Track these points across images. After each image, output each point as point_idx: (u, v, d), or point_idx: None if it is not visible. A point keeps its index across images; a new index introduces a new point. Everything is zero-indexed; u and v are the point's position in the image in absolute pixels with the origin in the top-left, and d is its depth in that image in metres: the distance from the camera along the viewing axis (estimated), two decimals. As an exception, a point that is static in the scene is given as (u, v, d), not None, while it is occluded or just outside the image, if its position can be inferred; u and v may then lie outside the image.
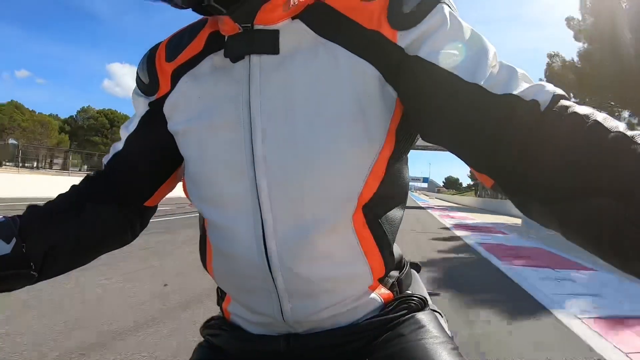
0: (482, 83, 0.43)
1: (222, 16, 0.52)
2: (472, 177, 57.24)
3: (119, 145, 0.64)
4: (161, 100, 0.60)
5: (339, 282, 0.54)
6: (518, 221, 13.63)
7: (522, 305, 3.49)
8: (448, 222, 13.08)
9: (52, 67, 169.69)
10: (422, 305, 0.61)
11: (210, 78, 0.56)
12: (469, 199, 41.22)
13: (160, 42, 0.63)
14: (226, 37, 0.54)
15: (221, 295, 0.67)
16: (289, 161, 0.50)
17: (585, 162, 0.36)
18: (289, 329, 0.57)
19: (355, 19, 0.50)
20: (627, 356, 2.41)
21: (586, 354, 2.43)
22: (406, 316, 0.58)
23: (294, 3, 0.52)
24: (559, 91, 0.42)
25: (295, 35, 0.52)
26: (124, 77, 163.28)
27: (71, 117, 70.24)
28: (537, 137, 0.39)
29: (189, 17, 0.56)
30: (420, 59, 0.47)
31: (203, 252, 0.64)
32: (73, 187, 0.62)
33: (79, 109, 72.45)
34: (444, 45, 0.47)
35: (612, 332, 2.83)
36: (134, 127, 0.63)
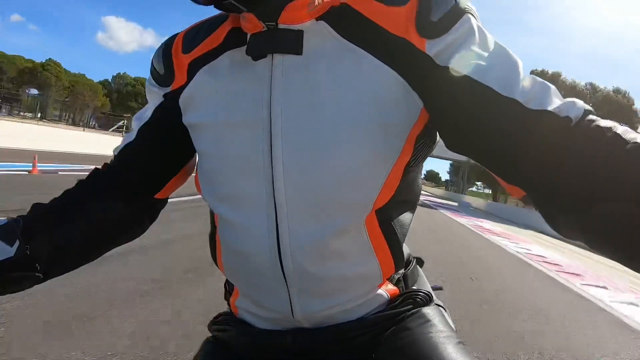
0: (518, 98, 0.44)
1: (246, 13, 0.52)
2: (453, 172, 63.23)
3: (131, 136, 0.63)
4: (176, 92, 0.60)
5: (350, 281, 0.54)
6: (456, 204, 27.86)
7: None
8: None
9: (46, 13, 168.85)
10: (428, 300, 0.62)
11: (229, 74, 0.55)
12: (440, 191, 65.41)
13: (177, 34, 0.62)
14: (248, 35, 0.54)
15: (229, 290, 0.67)
16: (308, 164, 0.50)
17: (606, 172, 0.38)
18: (296, 324, 0.57)
19: (380, 23, 0.50)
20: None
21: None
22: (412, 311, 0.59)
23: (318, 3, 0.51)
24: (587, 107, 0.43)
25: (319, 36, 0.51)
26: (118, 31, 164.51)
27: (106, 80, 76.54)
28: (568, 151, 0.41)
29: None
30: (453, 71, 0.47)
31: (213, 246, 0.64)
32: (80, 182, 0.62)
33: (114, 75, 78.28)
34: (475, 57, 0.47)
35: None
36: (147, 118, 0.62)
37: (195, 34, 0.60)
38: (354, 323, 0.56)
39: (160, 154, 0.63)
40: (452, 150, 0.51)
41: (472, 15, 0.50)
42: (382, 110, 0.49)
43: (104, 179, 0.62)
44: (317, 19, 0.52)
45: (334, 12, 0.52)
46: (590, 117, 0.42)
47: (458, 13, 0.48)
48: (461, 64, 0.47)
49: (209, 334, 0.70)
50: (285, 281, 0.53)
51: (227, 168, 0.54)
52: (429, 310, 0.60)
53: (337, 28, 0.51)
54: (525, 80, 0.46)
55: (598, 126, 0.41)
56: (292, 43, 0.51)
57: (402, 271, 0.62)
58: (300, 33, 0.51)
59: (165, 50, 0.61)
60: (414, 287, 0.63)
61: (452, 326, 0.61)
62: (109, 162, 0.64)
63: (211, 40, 0.58)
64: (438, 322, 0.58)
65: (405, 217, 0.59)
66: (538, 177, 0.43)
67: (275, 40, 0.51)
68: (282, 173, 0.50)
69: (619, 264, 0.39)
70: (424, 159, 0.58)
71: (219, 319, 0.68)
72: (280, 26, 0.51)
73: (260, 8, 0.50)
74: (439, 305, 0.64)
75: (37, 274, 0.51)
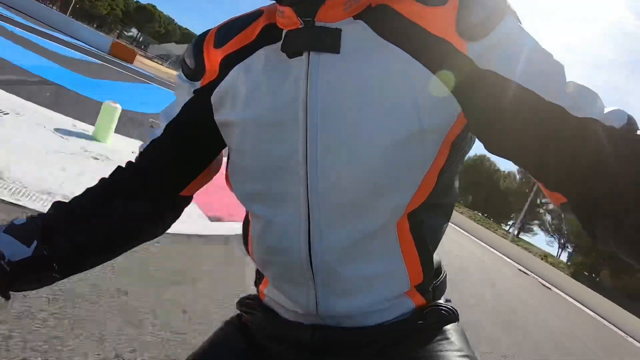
0: (563, 104, 0.43)
1: (284, 7, 0.51)
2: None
3: (157, 132, 0.62)
4: (207, 88, 0.59)
5: (376, 282, 0.54)
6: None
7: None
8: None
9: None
10: (453, 316, 0.60)
11: (263, 72, 0.54)
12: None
13: (210, 29, 0.62)
14: (284, 31, 0.53)
15: (259, 277, 0.68)
16: (343, 167, 0.49)
17: None
18: (318, 321, 0.57)
19: (420, 23, 0.48)
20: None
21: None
22: (434, 325, 0.57)
23: (356, 2, 0.50)
24: (630, 115, 0.44)
25: (357, 35, 0.50)
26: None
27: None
28: (612, 159, 0.41)
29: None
30: (495, 75, 0.46)
31: (245, 236, 0.65)
32: (102, 180, 0.61)
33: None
34: (519, 61, 0.46)
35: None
36: (175, 115, 0.62)
37: (228, 29, 0.60)
38: (374, 328, 0.56)
39: (187, 151, 0.62)
40: (492, 153, 0.51)
41: (514, 16, 0.49)
42: (420, 115, 0.48)
43: (128, 177, 0.61)
44: (355, 18, 0.51)
45: (372, 11, 0.51)
46: (634, 125, 0.43)
47: (500, 14, 0.47)
48: (504, 68, 0.46)
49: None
50: (313, 278, 0.54)
51: (261, 167, 0.54)
52: (451, 328, 0.59)
53: (375, 27, 0.50)
54: (570, 86, 0.45)
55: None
56: (330, 41, 0.50)
57: (431, 281, 0.60)
58: (337, 31, 0.50)
59: (197, 45, 0.61)
60: (441, 301, 0.62)
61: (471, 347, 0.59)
62: (133, 160, 0.64)
63: (245, 35, 0.58)
64: (458, 341, 0.57)
65: (438, 223, 0.58)
66: (581, 185, 0.43)
67: (312, 37, 0.50)
68: (317, 174, 0.50)
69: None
70: (460, 162, 0.57)
71: (248, 301, 0.69)
72: (318, 24, 0.50)
73: (300, 4, 0.49)
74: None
75: (54, 274, 0.52)
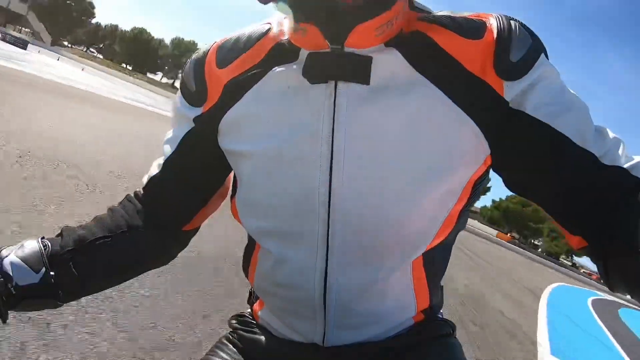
0: (595, 152, 0.43)
1: (307, 25, 0.46)
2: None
3: (155, 169, 0.60)
4: (210, 114, 0.54)
5: (386, 315, 0.54)
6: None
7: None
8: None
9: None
10: (450, 328, 0.61)
11: (279, 98, 0.49)
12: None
13: (211, 45, 0.56)
14: (302, 51, 0.48)
15: (255, 297, 0.66)
16: (368, 209, 0.47)
17: None
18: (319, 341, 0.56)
19: (456, 57, 0.46)
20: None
21: None
22: (433, 339, 0.58)
23: (389, 27, 0.46)
24: None
25: (389, 65, 0.46)
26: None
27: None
28: (637, 208, 0.41)
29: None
30: (528, 116, 0.45)
31: (247, 262, 0.62)
32: (110, 209, 0.60)
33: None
34: (550, 102, 0.45)
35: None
36: (173, 150, 0.58)
37: (231, 47, 0.54)
38: (375, 344, 0.56)
39: (187, 187, 0.59)
40: (514, 191, 0.51)
41: (545, 53, 0.48)
42: (450, 158, 0.47)
43: (134, 208, 0.60)
44: (387, 45, 0.47)
45: (406, 38, 0.48)
46: None
47: (536, 52, 0.46)
48: (539, 111, 0.45)
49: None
50: (325, 314, 0.53)
51: (276, 204, 0.50)
52: (449, 341, 0.60)
53: (409, 57, 0.47)
54: (599, 132, 0.46)
55: None
56: (360, 70, 0.46)
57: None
58: (368, 60, 0.46)
59: (197, 64, 0.55)
60: (439, 315, 0.63)
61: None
62: (140, 190, 0.62)
63: (251, 55, 0.52)
64: (455, 352, 0.59)
65: (447, 256, 0.59)
66: (605, 232, 0.43)
67: (341, 64, 0.46)
68: (340, 216, 0.48)
69: None
70: (477, 200, 0.57)
71: (243, 318, 0.67)
72: (347, 49, 0.46)
73: (329, 24, 0.45)
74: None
75: (58, 301, 0.52)
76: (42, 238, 0.54)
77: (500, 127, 0.47)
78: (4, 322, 0.49)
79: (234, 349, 0.63)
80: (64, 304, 0.54)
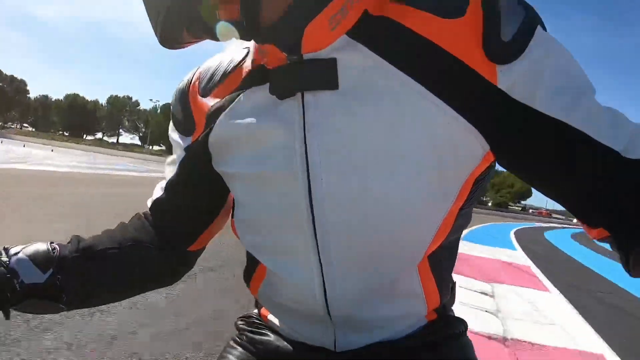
0: (616, 147, 0.39)
1: (265, 45, 0.43)
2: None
3: (159, 191, 0.60)
4: (199, 143, 0.53)
5: (397, 319, 0.52)
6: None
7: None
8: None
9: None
10: (462, 327, 0.58)
11: (251, 117, 0.47)
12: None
13: (193, 73, 0.55)
14: (270, 72, 0.45)
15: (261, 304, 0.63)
16: (355, 220, 0.44)
17: None
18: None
19: (435, 40, 0.39)
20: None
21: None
22: (447, 339, 0.56)
23: (343, 16, 0.41)
24: None
25: (357, 63, 0.41)
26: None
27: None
28: None
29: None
30: (538, 114, 0.39)
31: (250, 275, 0.60)
32: (122, 225, 0.60)
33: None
34: (561, 90, 0.39)
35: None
36: (173, 174, 0.58)
37: (213, 73, 0.53)
38: (388, 345, 0.52)
39: (190, 208, 0.59)
40: (532, 186, 0.46)
41: (541, 24, 0.41)
42: (440, 157, 0.41)
43: (144, 227, 0.59)
44: (352, 38, 0.42)
45: (370, 27, 0.41)
46: None
47: (532, 25, 0.39)
48: (550, 104, 0.39)
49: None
50: (332, 322, 0.51)
51: (265, 220, 0.50)
52: (462, 341, 0.57)
53: (378, 50, 0.41)
54: (614, 118, 0.40)
55: None
56: (324, 75, 0.41)
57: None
58: (332, 62, 0.41)
59: (182, 95, 0.55)
60: (451, 314, 0.60)
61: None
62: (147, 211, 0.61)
63: (231, 80, 0.50)
64: (467, 351, 0.57)
65: (454, 253, 0.56)
66: (627, 223, 0.40)
67: (302, 73, 0.42)
68: (326, 229, 0.44)
69: None
70: (479, 198, 0.53)
71: (251, 319, 0.64)
72: (306, 56, 0.42)
73: (278, 35, 0.42)
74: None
75: (61, 305, 0.51)
76: (52, 243, 0.53)
77: (499, 120, 0.40)
78: (7, 317, 0.49)
79: (245, 352, 0.61)
80: (67, 310, 0.53)
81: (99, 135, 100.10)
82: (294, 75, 0.43)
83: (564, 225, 38.23)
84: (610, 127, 0.40)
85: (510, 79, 0.39)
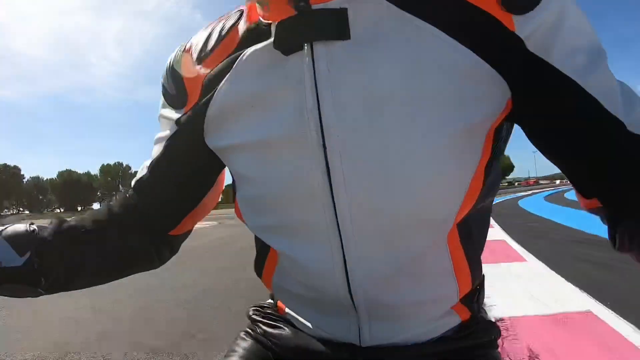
0: (622, 119, 0.38)
1: None
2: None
3: (144, 170, 0.56)
4: (192, 115, 0.50)
5: (426, 304, 0.48)
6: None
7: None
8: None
9: None
10: (496, 331, 0.55)
11: (255, 79, 0.44)
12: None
13: (185, 44, 0.52)
14: (273, 26, 0.42)
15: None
16: (377, 184, 0.40)
17: None
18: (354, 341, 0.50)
19: None
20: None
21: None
22: (478, 347, 0.52)
23: None
24: None
25: (370, 11, 0.39)
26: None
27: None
28: None
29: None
30: (554, 70, 0.38)
31: (261, 266, 0.57)
32: (106, 205, 0.58)
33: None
34: (578, 50, 0.39)
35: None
36: (159, 153, 0.54)
37: (205, 41, 0.50)
38: (420, 345, 0.49)
39: (174, 189, 0.55)
40: (536, 146, 0.44)
41: None
42: (464, 108, 0.39)
43: (129, 209, 0.56)
44: None
45: None
46: None
47: None
48: (565, 62, 0.38)
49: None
50: (355, 309, 0.47)
51: (274, 195, 0.45)
52: (492, 353, 0.54)
53: None
54: (626, 92, 0.40)
55: None
56: (335, 25, 0.39)
57: (477, 291, 0.54)
58: (342, 12, 0.39)
59: (175, 64, 0.52)
60: (483, 315, 0.56)
61: None
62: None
63: (225, 44, 0.47)
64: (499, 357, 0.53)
65: (485, 225, 0.53)
66: (622, 197, 0.40)
67: (310, 24, 0.39)
68: (345, 197, 0.41)
69: None
70: (503, 150, 0.48)
71: (263, 310, 0.61)
72: (315, 7, 0.39)
73: None
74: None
75: (39, 289, 0.48)
76: (31, 224, 0.50)
77: (519, 68, 0.39)
78: None
79: (259, 345, 0.58)
80: (47, 294, 0.50)
81: (96, 205, 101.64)
82: (302, 26, 0.40)
83: (541, 190, 39.28)
84: (620, 99, 0.39)
85: (526, 30, 0.38)
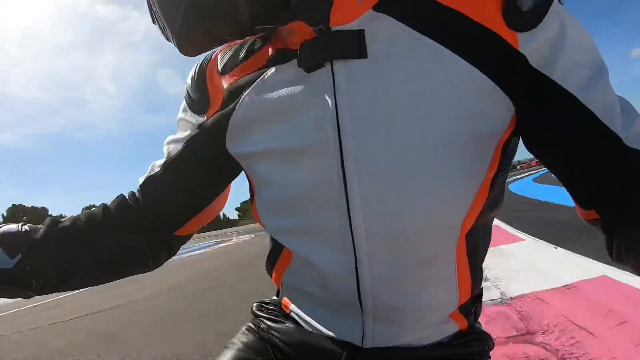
0: (619, 133, 0.40)
1: (292, 24, 0.45)
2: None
3: (156, 168, 0.58)
4: (214, 121, 0.53)
5: (427, 310, 0.50)
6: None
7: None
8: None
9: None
10: (490, 344, 0.57)
11: (280, 92, 0.47)
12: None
13: (212, 53, 0.56)
14: (299, 46, 0.46)
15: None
16: (389, 191, 0.43)
17: None
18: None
19: (459, 9, 0.41)
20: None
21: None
22: (474, 355, 0.54)
23: None
24: None
25: (385, 32, 0.43)
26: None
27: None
28: None
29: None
30: (556, 85, 0.41)
31: (273, 263, 0.59)
32: (102, 206, 0.57)
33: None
34: (576, 66, 0.41)
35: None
36: (177, 152, 0.56)
37: (234, 53, 0.53)
38: (417, 350, 0.51)
39: (186, 189, 0.57)
40: (531, 152, 0.47)
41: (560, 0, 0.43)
42: (471, 122, 0.42)
43: (127, 209, 0.57)
44: (377, 11, 0.44)
45: (395, 1, 0.44)
46: None
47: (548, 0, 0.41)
48: (566, 78, 0.41)
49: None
50: (362, 310, 0.48)
51: (293, 199, 0.49)
52: (486, 355, 0.56)
53: (404, 19, 0.43)
54: (624, 107, 0.42)
55: None
56: (353, 45, 0.43)
57: (473, 302, 0.55)
58: (360, 33, 0.43)
59: (199, 73, 0.55)
60: (478, 325, 0.58)
61: None
62: (135, 191, 0.59)
63: (255, 59, 0.51)
64: None
65: (488, 239, 0.55)
66: (618, 209, 0.41)
67: (331, 44, 0.43)
68: (359, 202, 0.44)
69: None
70: (509, 167, 0.51)
71: (268, 306, 0.63)
72: (334, 28, 0.44)
73: (306, 10, 0.44)
74: None
75: (29, 291, 0.48)
76: (24, 224, 0.50)
77: (522, 88, 0.42)
78: None
79: (261, 340, 0.59)
80: (38, 295, 0.50)
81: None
82: (323, 46, 0.44)
83: (528, 174, 39.78)
84: (618, 114, 0.41)
85: (530, 47, 0.40)
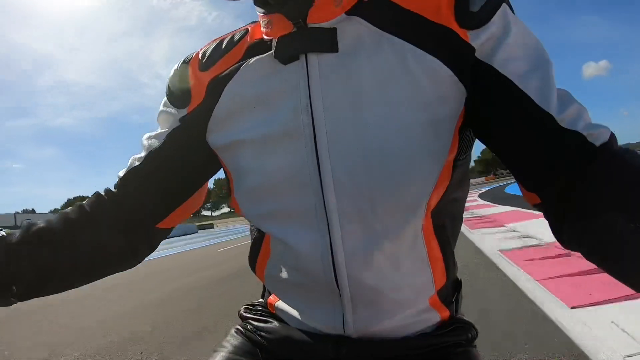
0: (553, 113, 0.44)
1: (272, 15, 0.50)
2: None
3: (136, 162, 0.59)
4: (194, 114, 0.56)
5: (404, 291, 0.52)
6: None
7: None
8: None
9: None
10: (474, 333, 0.59)
11: (258, 83, 0.52)
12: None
13: (194, 52, 0.59)
14: (274, 40, 0.51)
15: (269, 291, 0.64)
16: (358, 171, 0.47)
17: (619, 190, 0.40)
18: (340, 333, 0.53)
19: (419, 12, 0.47)
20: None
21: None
22: (458, 345, 0.56)
23: None
24: (612, 133, 0.44)
25: (354, 31, 0.48)
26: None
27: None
28: (593, 172, 0.42)
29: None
30: (496, 72, 0.45)
31: (255, 256, 0.61)
32: (78, 205, 0.58)
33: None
34: (516, 58, 0.46)
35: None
36: (159, 144, 0.58)
37: (213, 50, 0.57)
38: (401, 342, 0.53)
39: (168, 181, 0.58)
40: (477, 137, 0.51)
41: (509, 5, 0.48)
42: (432, 106, 0.47)
43: (104, 206, 0.57)
44: (349, 15, 0.49)
45: (366, 6, 0.49)
46: (614, 143, 0.44)
47: (497, 2, 0.47)
48: (506, 66, 0.46)
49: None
50: (340, 293, 0.50)
51: (271, 184, 0.51)
52: (472, 352, 0.57)
53: (372, 21, 0.48)
54: (562, 94, 0.45)
55: (621, 151, 0.42)
56: (326, 40, 0.48)
57: (454, 292, 0.60)
58: (333, 30, 0.48)
59: (182, 69, 0.58)
60: (463, 316, 0.61)
61: None
62: (112, 187, 0.59)
63: (232, 55, 0.55)
64: (477, 358, 0.57)
65: (457, 218, 0.59)
66: (558, 192, 0.44)
67: (307, 39, 0.48)
68: (331, 183, 0.48)
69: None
70: (469, 150, 0.56)
71: (256, 308, 0.65)
72: (310, 25, 0.48)
73: (288, 5, 0.48)
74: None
75: (11, 298, 0.48)
76: (0, 230, 0.51)
77: (474, 77, 0.47)
78: None
79: (248, 342, 0.61)
80: (20, 301, 0.50)
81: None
82: (299, 40, 0.48)
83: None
84: (554, 99, 0.44)
85: (480, 42, 0.45)
